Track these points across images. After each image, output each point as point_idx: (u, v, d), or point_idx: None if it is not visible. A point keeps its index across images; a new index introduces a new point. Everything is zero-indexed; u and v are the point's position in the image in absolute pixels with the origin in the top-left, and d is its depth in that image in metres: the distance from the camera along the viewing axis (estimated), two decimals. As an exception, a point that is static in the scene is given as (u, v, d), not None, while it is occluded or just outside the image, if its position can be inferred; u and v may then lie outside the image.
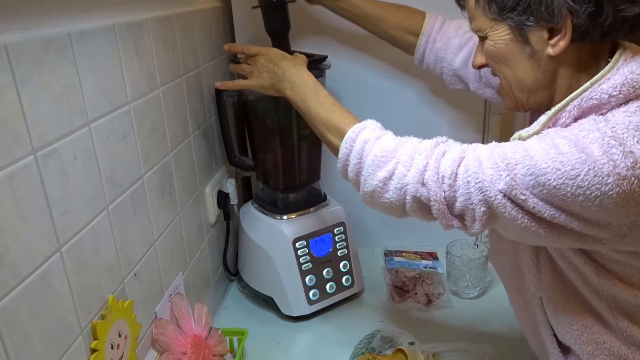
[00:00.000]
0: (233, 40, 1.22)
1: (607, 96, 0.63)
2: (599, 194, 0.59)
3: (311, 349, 1.05)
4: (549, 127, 0.67)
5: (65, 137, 0.61)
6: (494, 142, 0.68)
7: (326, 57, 1.07)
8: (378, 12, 1.04)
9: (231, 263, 1.24)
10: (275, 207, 1.15)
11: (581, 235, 0.64)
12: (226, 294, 1.23)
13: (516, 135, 0.69)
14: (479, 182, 0.64)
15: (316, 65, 1.04)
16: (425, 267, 1.22)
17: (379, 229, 1.36)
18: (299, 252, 1.09)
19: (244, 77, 0.97)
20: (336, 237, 1.13)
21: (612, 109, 0.64)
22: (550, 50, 0.67)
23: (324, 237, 1.12)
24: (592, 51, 0.68)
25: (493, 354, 0.93)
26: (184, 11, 0.97)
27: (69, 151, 0.62)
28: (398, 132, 0.76)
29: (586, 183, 0.59)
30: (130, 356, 0.73)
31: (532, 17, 0.66)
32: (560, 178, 0.60)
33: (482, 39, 0.74)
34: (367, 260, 1.27)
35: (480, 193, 0.64)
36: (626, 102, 0.64)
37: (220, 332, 0.95)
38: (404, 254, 1.28)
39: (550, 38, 0.66)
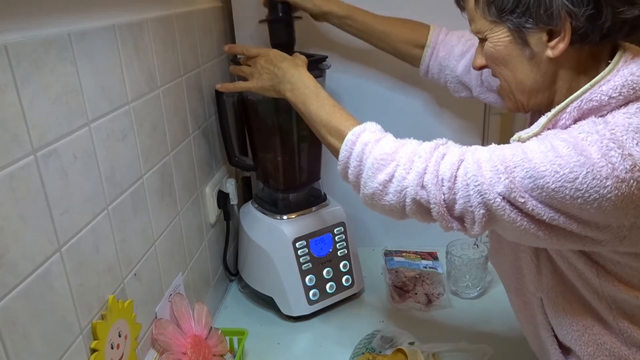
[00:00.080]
0: (233, 40, 1.22)
1: (607, 98, 0.63)
2: (597, 196, 0.59)
3: (311, 349, 1.05)
4: (548, 129, 0.67)
5: (65, 137, 0.61)
6: (493, 144, 0.69)
7: (326, 57, 1.07)
8: (384, 27, 1.05)
9: (231, 263, 1.24)
10: (275, 207, 1.15)
11: (580, 237, 0.64)
12: (226, 294, 1.23)
13: (516, 136, 0.69)
14: (478, 184, 0.64)
15: (316, 65, 1.04)
16: (425, 267, 1.22)
17: (379, 229, 1.36)
18: (299, 252, 1.09)
19: (244, 78, 0.97)
20: (336, 237, 1.13)
21: (612, 111, 0.64)
22: (549, 53, 0.67)
23: (324, 237, 1.12)
24: (592, 53, 0.68)
25: (493, 354, 0.93)
26: (184, 11, 0.97)
27: (69, 151, 0.62)
28: (398, 133, 0.76)
29: (585, 186, 0.59)
30: (130, 356, 0.73)
31: (531, 20, 0.66)
32: (559, 181, 0.60)
33: (482, 40, 0.74)
34: (367, 260, 1.27)
35: (480, 196, 0.64)
36: (626, 103, 0.64)
37: (220, 332, 0.95)
38: (404, 254, 1.28)
39: (549, 40, 0.66)
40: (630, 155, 0.59)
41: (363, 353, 0.97)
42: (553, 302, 0.76)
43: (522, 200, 0.63)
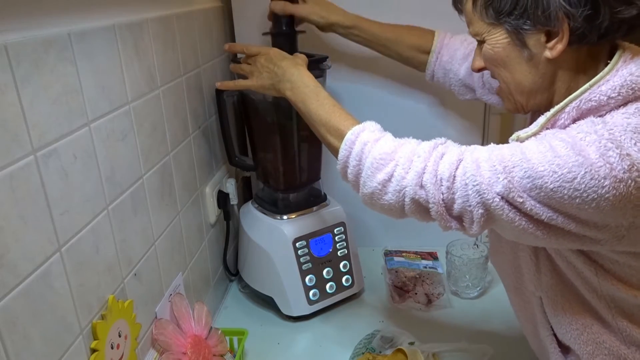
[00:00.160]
0: (233, 40, 1.22)
1: (605, 98, 0.63)
2: (595, 196, 0.59)
3: (311, 349, 1.05)
4: (547, 128, 0.67)
5: (65, 137, 0.61)
6: (492, 143, 0.69)
7: (327, 57, 1.07)
8: (390, 35, 1.05)
9: (231, 263, 1.24)
10: (275, 207, 1.15)
11: (579, 237, 0.64)
12: (226, 294, 1.23)
13: (514, 135, 0.69)
14: (477, 184, 0.64)
15: (317, 65, 1.04)
16: (425, 267, 1.22)
17: (379, 229, 1.36)
18: (299, 252, 1.09)
19: (245, 77, 0.97)
20: (336, 237, 1.13)
21: (610, 111, 0.64)
22: (548, 53, 0.67)
23: (324, 237, 1.12)
24: (590, 53, 0.68)
25: (493, 354, 0.93)
26: (184, 11, 0.97)
27: (69, 151, 0.62)
28: (397, 132, 0.76)
29: (583, 186, 0.59)
30: (130, 356, 0.73)
31: (529, 21, 0.66)
32: (557, 181, 0.60)
33: (480, 42, 0.74)
34: (367, 260, 1.27)
35: (478, 195, 0.65)
36: (625, 104, 0.64)
37: (220, 332, 0.95)
38: (404, 254, 1.28)
39: (547, 41, 0.66)
40: (628, 155, 0.59)
41: (363, 353, 0.98)
42: (552, 301, 0.76)
43: (521, 200, 0.63)
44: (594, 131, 0.61)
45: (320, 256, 1.11)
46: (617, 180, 0.58)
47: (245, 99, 1.12)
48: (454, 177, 0.66)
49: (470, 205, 0.66)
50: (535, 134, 0.67)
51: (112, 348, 0.69)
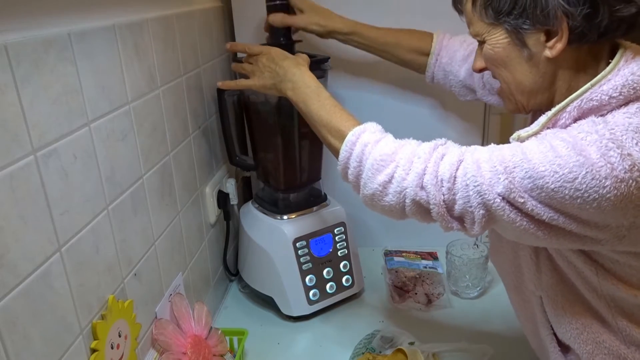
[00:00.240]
0: (233, 40, 1.22)
1: (607, 97, 0.63)
2: (596, 196, 0.59)
3: (311, 349, 1.05)
4: (548, 128, 0.67)
5: (65, 137, 0.61)
6: (492, 144, 0.69)
7: (328, 57, 1.07)
8: (389, 39, 1.06)
9: (231, 263, 1.24)
10: (275, 207, 1.15)
11: (580, 237, 0.64)
12: (226, 294, 1.23)
13: (515, 135, 0.69)
14: (478, 185, 0.64)
15: (318, 65, 1.04)
16: (425, 267, 1.22)
17: (379, 229, 1.36)
18: (299, 252, 1.09)
19: (246, 77, 0.97)
20: (336, 237, 1.13)
21: (612, 110, 0.64)
22: (547, 53, 0.67)
23: (324, 237, 1.12)
24: (591, 52, 0.68)
25: (493, 354, 0.93)
26: (184, 11, 0.97)
27: (69, 151, 0.62)
28: (398, 133, 0.76)
29: (584, 186, 0.59)
30: (130, 356, 0.73)
31: (528, 21, 0.66)
32: (558, 181, 0.60)
33: (481, 43, 0.74)
34: (367, 260, 1.27)
35: (479, 196, 0.65)
36: (626, 103, 0.63)
37: (220, 332, 0.95)
38: (404, 254, 1.28)
39: (547, 40, 0.66)
40: (629, 155, 0.59)
41: (363, 353, 0.98)
42: (552, 301, 0.76)
43: (522, 201, 0.63)
44: (595, 131, 0.61)
45: (320, 256, 1.11)
46: (618, 180, 0.58)
47: (246, 99, 1.12)
48: (455, 178, 0.66)
49: (471, 206, 0.65)
50: (536, 134, 0.67)
51: (112, 348, 0.69)
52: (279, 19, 1.03)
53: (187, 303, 0.90)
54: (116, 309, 0.70)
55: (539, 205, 0.62)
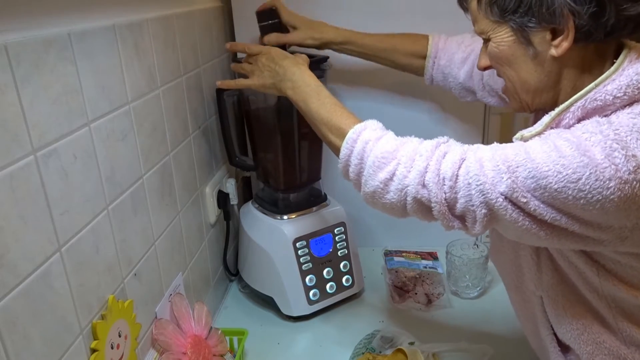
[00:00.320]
0: (233, 40, 1.22)
1: (611, 97, 0.63)
2: (600, 197, 0.58)
3: (311, 349, 1.05)
4: (551, 128, 0.66)
5: (65, 137, 0.61)
6: (495, 143, 0.68)
7: (327, 57, 1.07)
8: (384, 45, 1.06)
9: (231, 263, 1.24)
10: (275, 207, 1.15)
11: (582, 237, 0.64)
12: (226, 294, 1.23)
13: (519, 134, 0.68)
14: (480, 184, 0.64)
15: (317, 65, 1.04)
16: (425, 267, 1.22)
17: (379, 229, 1.36)
18: (299, 252, 1.09)
19: (246, 76, 0.97)
20: (336, 237, 1.13)
21: (616, 111, 0.63)
22: (553, 51, 0.66)
23: (324, 237, 1.12)
24: (597, 51, 0.67)
25: (493, 354, 0.93)
26: (184, 11, 0.97)
27: (69, 151, 0.62)
28: (398, 131, 0.76)
29: (587, 187, 0.58)
30: (130, 356, 0.73)
31: (533, 19, 0.65)
32: (562, 181, 0.59)
33: (486, 41, 0.73)
34: (367, 260, 1.27)
35: (481, 195, 0.64)
36: (631, 103, 0.63)
37: (220, 332, 0.95)
38: (404, 254, 1.28)
39: (553, 39, 0.66)
40: (634, 156, 0.58)
41: (363, 353, 0.98)
42: (553, 301, 0.76)
43: (525, 200, 0.62)
44: (599, 131, 0.60)
45: (320, 256, 1.11)
46: (622, 182, 0.58)
47: (246, 99, 1.12)
48: (457, 176, 0.66)
49: (473, 205, 0.65)
50: (539, 133, 0.66)
51: (112, 348, 0.69)
52: (273, 39, 1.05)
53: (187, 303, 0.90)
54: (116, 309, 0.70)
55: (541, 206, 0.62)
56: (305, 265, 1.09)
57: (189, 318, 0.89)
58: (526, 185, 0.62)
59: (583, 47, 0.66)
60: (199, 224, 1.06)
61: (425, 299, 1.14)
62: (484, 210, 0.65)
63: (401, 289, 1.16)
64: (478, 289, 1.16)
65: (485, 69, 0.77)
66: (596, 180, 0.58)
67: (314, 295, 1.10)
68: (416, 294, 1.14)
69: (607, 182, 0.58)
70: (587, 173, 0.58)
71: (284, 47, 1.05)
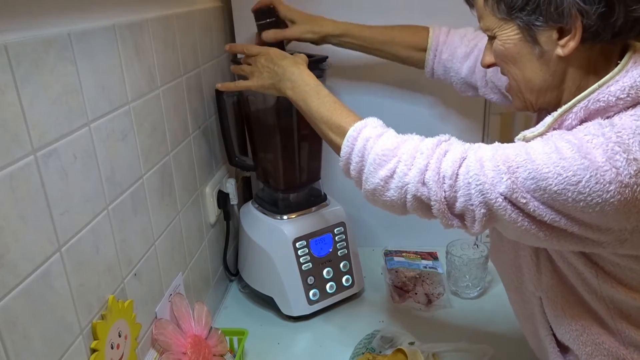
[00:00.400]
0: (233, 40, 1.22)
1: (614, 99, 0.62)
2: (600, 200, 0.58)
3: (311, 349, 1.05)
4: (554, 129, 0.66)
5: (65, 137, 0.61)
6: (497, 142, 0.68)
7: (327, 57, 1.07)
8: (383, 37, 1.05)
9: (231, 263, 1.24)
10: (275, 207, 1.15)
11: (581, 239, 0.64)
12: (226, 294, 1.23)
13: (521, 135, 0.68)
14: (480, 184, 0.64)
15: (317, 65, 1.04)
16: (425, 267, 1.22)
17: (379, 229, 1.36)
18: (299, 252, 1.09)
19: (245, 78, 0.97)
20: (336, 237, 1.13)
21: (618, 112, 0.63)
22: (559, 51, 0.66)
23: (324, 237, 1.12)
24: (602, 52, 0.66)
25: (493, 354, 0.93)
26: (184, 11, 0.97)
27: (69, 151, 0.62)
28: (398, 131, 0.75)
29: (587, 189, 0.58)
30: (130, 356, 0.73)
31: (541, 17, 0.64)
32: (562, 183, 0.59)
33: (491, 38, 0.73)
34: (367, 260, 1.27)
35: (481, 195, 0.64)
36: (634, 105, 0.63)
37: (220, 332, 0.95)
38: (404, 254, 1.28)
39: (559, 38, 0.65)
40: (635, 160, 0.58)
41: (363, 353, 0.97)
42: (552, 302, 0.76)
43: (524, 201, 0.62)
44: (601, 134, 0.60)
45: (320, 256, 1.11)
46: (623, 185, 0.57)
47: (245, 100, 1.12)
48: (457, 175, 0.66)
49: (472, 205, 0.65)
50: (541, 134, 0.66)
51: (112, 348, 0.69)
52: (271, 35, 1.04)
53: (187, 303, 0.90)
54: (116, 309, 0.70)
55: (541, 207, 0.62)
56: (305, 265, 1.09)
57: (189, 318, 0.89)
58: (526, 186, 0.62)
59: (589, 48, 0.65)
60: (199, 224, 1.06)
61: (425, 299, 1.14)
62: (483, 210, 0.65)
63: (401, 289, 1.16)
64: (478, 289, 1.16)
65: (489, 66, 0.76)
66: (596, 183, 0.58)
67: (314, 295, 1.10)
68: (416, 294, 1.14)
69: (608, 185, 0.57)
70: (588, 176, 0.58)
71: (282, 45, 1.05)
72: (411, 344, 0.97)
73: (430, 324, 1.09)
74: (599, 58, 0.67)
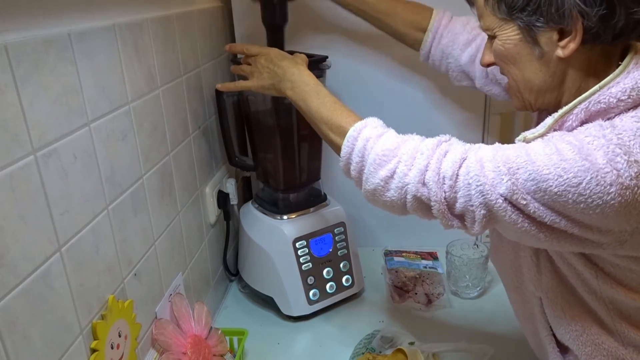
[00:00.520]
0: (233, 40, 1.22)
1: (615, 100, 0.62)
2: (600, 202, 0.58)
3: (311, 349, 1.05)
4: (554, 130, 0.66)
5: (65, 137, 0.61)
6: (497, 143, 0.68)
7: (326, 57, 1.07)
8: (386, 7, 1.03)
9: (231, 263, 1.24)
10: (275, 207, 1.15)
11: (581, 240, 0.64)
12: (226, 294, 1.23)
13: (521, 136, 0.68)
14: (480, 185, 0.64)
15: (316, 65, 1.04)
16: (425, 267, 1.22)
17: (379, 229, 1.36)
18: (299, 252, 1.09)
19: (245, 78, 0.97)
20: (336, 237, 1.13)
21: (619, 114, 0.63)
22: (559, 52, 0.65)
23: (324, 237, 1.12)
24: (603, 53, 0.66)
25: (493, 354, 0.93)
26: (184, 11, 0.97)
27: (69, 151, 0.62)
28: (398, 131, 0.75)
29: (588, 191, 0.58)
30: (130, 356, 0.73)
31: (542, 18, 0.64)
32: (562, 185, 0.59)
33: (491, 38, 0.72)
34: (367, 260, 1.27)
35: (481, 196, 0.64)
36: (635, 107, 0.62)
37: (220, 332, 0.95)
38: (404, 254, 1.28)
39: (560, 39, 0.65)
40: (636, 162, 0.58)
41: (363, 353, 0.97)
42: (552, 302, 0.76)
43: (524, 202, 0.62)
44: (602, 135, 0.60)
45: (320, 256, 1.11)
46: (624, 188, 0.57)
47: (245, 100, 1.12)
48: (457, 176, 0.66)
49: (472, 205, 0.65)
50: (542, 135, 0.66)
51: (112, 348, 0.69)
52: None
53: (187, 303, 0.90)
54: (116, 309, 0.70)
55: (541, 208, 0.62)
56: (305, 265, 1.09)
57: (189, 318, 0.89)
58: (526, 188, 0.62)
59: (590, 49, 0.65)
60: (199, 224, 1.06)
61: (425, 299, 1.14)
62: (483, 211, 0.65)
63: (401, 289, 1.16)
64: (478, 289, 1.16)
65: (488, 65, 0.76)
66: (597, 185, 0.58)
67: (314, 295, 1.10)
68: (416, 294, 1.14)
69: (608, 187, 0.57)
70: (588, 177, 0.58)
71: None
72: (411, 344, 0.97)
73: (430, 324, 1.09)
74: (600, 59, 0.67)
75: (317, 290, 1.10)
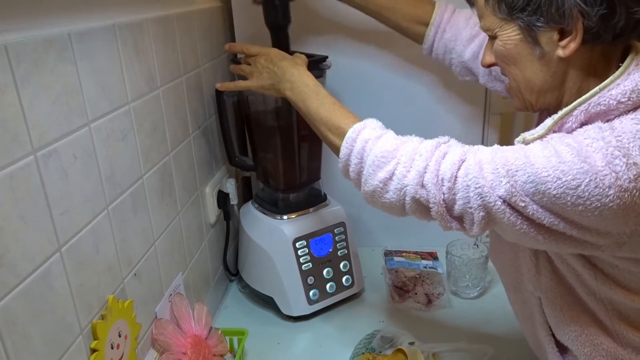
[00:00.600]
0: (233, 40, 1.22)
1: (615, 102, 0.62)
2: (599, 204, 0.58)
3: (311, 349, 1.05)
4: (554, 131, 0.66)
5: (65, 137, 0.61)
6: (496, 144, 0.68)
7: (326, 57, 1.07)
8: (386, 2, 1.02)
9: (231, 263, 1.24)
10: (275, 207, 1.15)
11: (580, 242, 0.64)
12: (226, 294, 1.23)
13: (520, 137, 0.68)
14: (479, 187, 0.64)
15: (316, 65, 1.04)
16: (425, 267, 1.22)
17: (379, 229, 1.36)
18: (299, 252, 1.09)
19: (245, 78, 0.97)
20: (336, 237, 1.13)
21: (619, 116, 0.63)
22: (560, 52, 0.65)
23: (324, 237, 1.12)
24: (603, 53, 0.66)
25: (493, 354, 0.93)
26: (184, 11, 0.97)
27: (69, 151, 0.62)
28: (396, 132, 0.75)
29: (587, 194, 0.58)
30: (130, 356, 0.73)
31: (542, 18, 0.64)
32: (561, 187, 0.59)
33: (492, 38, 0.72)
34: (367, 260, 1.27)
35: (480, 198, 0.64)
36: (635, 109, 0.62)
37: (220, 332, 0.95)
38: (404, 254, 1.28)
39: (560, 39, 0.65)
40: (635, 164, 0.58)
41: (363, 353, 0.98)
42: (551, 302, 0.76)
43: (523, 205, 0.62)
44: (601, 137, 0.60)
45: (320, 256, 1.11)
46: (622, 190, 0.57)
47: (245, 100, 1.12)
48: (456, 177, 0.66)
49: (471, 207, 0.65)
50: (541, 137, 0.66)
51: (112, 348, 0.69)
52: None
53: (187, 303, 0.90)
54: (116, 309, 0.70)
55: (540, 210, 0.62)
56: (305, 265, 1.09)
57: (189, 318, 0.89)
58: (525, 190, 0.62)
59: (590, 49, 0.65)
60: (199, 224, 1.06)
61: (425, 299, 1.14)
62: (482, 213, 0.65)
63: (401, 289, 1.16)
64: (478, 289, 1.16)
65: (489, 66, 0.76)
66: (595, 187, 0.58)
67: (314, 295, 1.10)
68: (416, 294, 1.14)
69: (607, 189, 0.57)
70: (587, 180, 0.58)
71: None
72: (411, 344, 0.97)
73: (430, 324, 1.09)
74: (600, 59, 0.67)
75: (317, 290, 1.10)
